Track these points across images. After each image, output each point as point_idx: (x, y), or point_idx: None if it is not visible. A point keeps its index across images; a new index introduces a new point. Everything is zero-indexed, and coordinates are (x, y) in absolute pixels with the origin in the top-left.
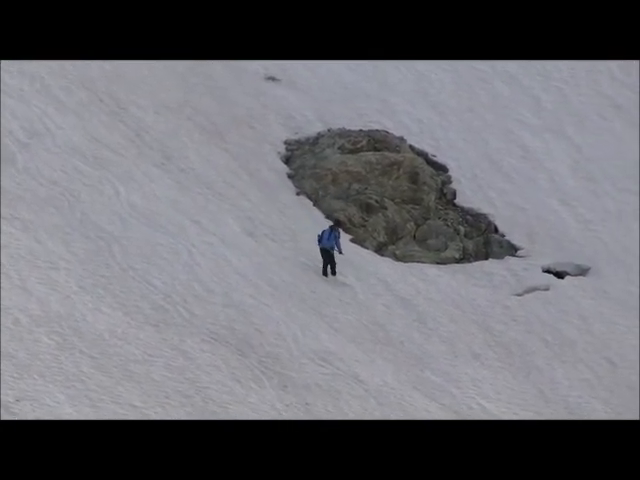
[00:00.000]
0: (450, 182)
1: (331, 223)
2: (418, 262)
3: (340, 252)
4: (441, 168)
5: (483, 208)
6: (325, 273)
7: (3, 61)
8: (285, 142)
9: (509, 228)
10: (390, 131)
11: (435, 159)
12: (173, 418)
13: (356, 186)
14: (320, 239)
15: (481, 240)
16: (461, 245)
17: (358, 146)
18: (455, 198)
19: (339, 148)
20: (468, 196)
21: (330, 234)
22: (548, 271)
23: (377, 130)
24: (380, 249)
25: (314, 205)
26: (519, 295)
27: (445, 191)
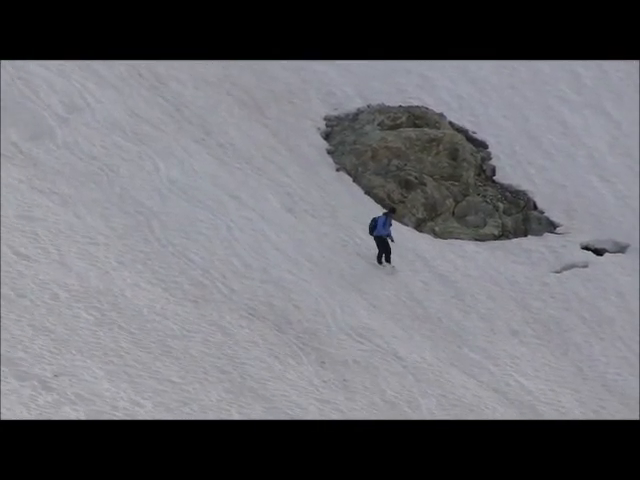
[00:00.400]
0: (489, 158)
1: (385, 210)
2: (457, 239)
3: (392, 240)
4: (481, 144)
5: (522, 185)
6: (380, 261)
7: None
8: (325, 118)
9: (548, 205)
10: (430, 107)
11: (475, 135)
12: (211, 394)
13: (395, 162)
14: (375, 227)
15: (520, 217)
16: (500, 222)
17: (398, 122)
18: (494, 175)
19: (379, 124)
20: (507, 173)
21: (385, 221)
22: (587, 248)
23: (417, 106)
24: (419, 225)
25: (354, 181)
26: (557, 272)
27: (484, 167)
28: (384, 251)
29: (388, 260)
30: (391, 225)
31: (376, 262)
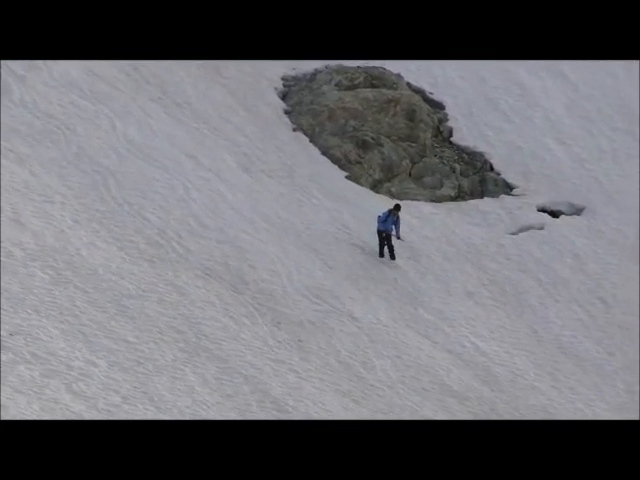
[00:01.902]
0: (447, 120)
1: (390, 207)
2: (413, 200)
3: (398, 237)
4: (438, 106)
5: (479, 146)
6: (382, 254)
7: None
8: (282, 78)
9: (505, 166)
10: (387, 68)
11: (432, 97)
12: (166, 353)
13: (353, 123)
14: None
15: (477, 178)
16: (457, 183)
17: (355, 83)
18: (451, 136)
19: (336, 85)
20: (464, 134)
21: (387, 217)
22: (543, 210)
23: (374, 67)
24: (375, 186)
25: (310, 141)
26: (514, 234)
27: (441, 129)
28: (386, 245)
29: (392, 256)
30: (396, 222)
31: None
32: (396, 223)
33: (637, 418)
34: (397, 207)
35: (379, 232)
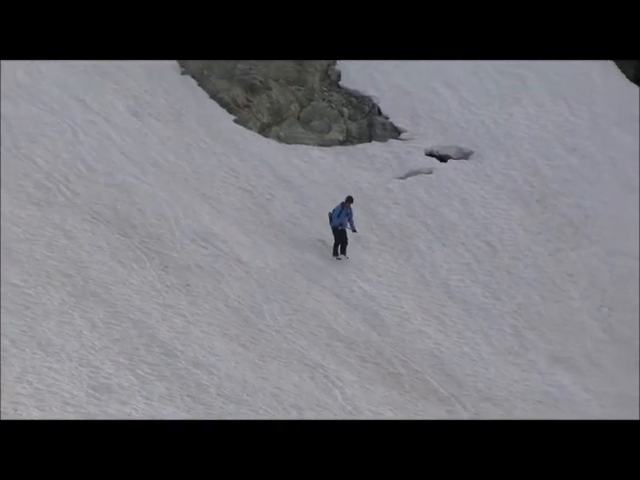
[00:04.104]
0: (335, 63)
1: (343, 200)
2: (302, 144)
3: (353, 230)
4: None
5: (367, 90)
6: (335, 252)
7: None
8: None
9: (393, 110)
10: None
11: None
12: (54, 297)
13: (241, 66)
14: (331, 218)
15: (365, 122)
16: (345, 127)
17: None
18: (340, 80)
19: None
20: (353, 78)
21: (341, 211)
22: (431, 154)
23: None
24: (264, 130)
25: (199, 85)
26: (401, 178)
27: (330, 72)
28: (339, 242)
29: (343, 251)
30: (348, 215)
31: (332, 254)
32: (349, 216)
33: (522, 361)
34: (349, 199)
35: (334, 228)
